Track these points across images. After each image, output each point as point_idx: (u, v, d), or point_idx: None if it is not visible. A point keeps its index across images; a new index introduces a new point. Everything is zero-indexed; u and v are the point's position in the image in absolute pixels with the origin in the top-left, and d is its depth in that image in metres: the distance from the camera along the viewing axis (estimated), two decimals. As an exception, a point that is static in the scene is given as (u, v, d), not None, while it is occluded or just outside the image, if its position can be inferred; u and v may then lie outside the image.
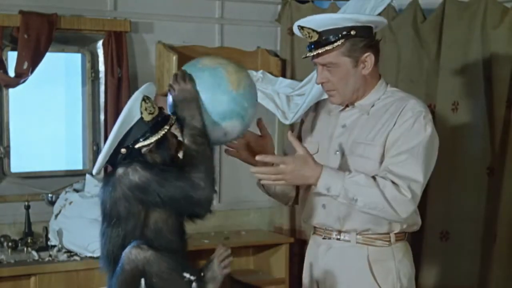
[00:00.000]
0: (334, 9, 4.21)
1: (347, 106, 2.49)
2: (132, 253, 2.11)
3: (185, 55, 4.25)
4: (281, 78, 4.37)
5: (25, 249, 3.80)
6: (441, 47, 3.78)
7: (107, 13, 4.15)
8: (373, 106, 2.45)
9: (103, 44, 4.08)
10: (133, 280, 2.12)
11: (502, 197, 3.54)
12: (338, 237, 2.47)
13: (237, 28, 4.49)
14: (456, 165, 3.71)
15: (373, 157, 2.39)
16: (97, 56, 4.18)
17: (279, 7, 4.54)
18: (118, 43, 4.07)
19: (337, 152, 2.45)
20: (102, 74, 4.14)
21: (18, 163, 4.08)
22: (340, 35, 2.36)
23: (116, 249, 2.18)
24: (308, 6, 4.42)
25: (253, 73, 4.23)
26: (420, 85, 3.85)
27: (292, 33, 4.38)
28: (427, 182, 3.81)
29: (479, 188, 3.69)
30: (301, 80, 4.26)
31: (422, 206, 3.77)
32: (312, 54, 2.40)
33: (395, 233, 2.47)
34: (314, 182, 2.30)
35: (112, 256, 2.20)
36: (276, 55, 4.55)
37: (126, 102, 3.99)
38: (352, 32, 2.36)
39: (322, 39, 2.37)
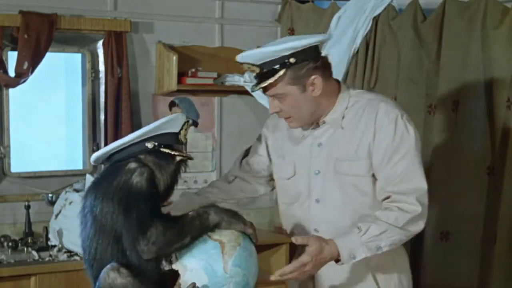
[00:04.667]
0: (335, 9, 4.21)
1: (317, 123, 2.42)
2: (110, 277, 2.06)
3: (185, 55, 4.25)
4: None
5: (25, 249, 3.80)
6: (441, 47, 3.78)
7: (107, 13, 4.14)
8: (343, 117, 2.38)
9: (103, 44, 4.08)
10: None
11: (502, 197, 3.54)
12: None
13: (237, 28, 4.49)
14: (456, 165, 3.71)
15: (361, 173, 2.34)
16: (97, 56, 4.18)
17: (279, 7, 4.54)
18: (118, 43, 4.07)
19: (318, 173, 2.39)
20: (102, 74, 4.14)
21: (18, 163, 4.07)
22: (279, 65, 2.27)
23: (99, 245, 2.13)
24: (308, 6, 4.42)
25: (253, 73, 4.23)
26: (420, 85, 3.85)
27: (292, 33, 4.38)
28: (427, 182, 3.82)
29: (479, 188, 3.69)
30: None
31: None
32: (257, 89, 2.34)
33: None
34: (336, 258, 2.23)
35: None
36: (276, 55, 4.55)
37: (126, 102, 4.07)
38: (292, 60, 2.27)
39: (264, 72, 2.30)
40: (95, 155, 2.24)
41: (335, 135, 2.38)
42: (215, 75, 4.29)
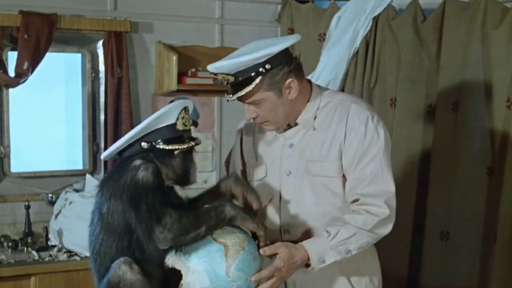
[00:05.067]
0: (335, 9, 4.21)
1: (289, 125, 2.41)
2: (121, 269, 2.08)
3: (185, 55, 4.25)
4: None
5: (25, 249, 3.80)
6: (441, 47, 3.78)
7: (107, 13, 4.15)
8: (315, 118, 2.38)
9: (103, 44, 4.08)
10: None
11: (502, 197, 3.54)
12: None
13: (237, 28, 4.49)
14: (456, 165, 3.71)
15: (332, 173, 2.34)
16: (97, 56, 4.18)
17: (279, 7, 4.54)
18: (118, 43, 4.07)
19: (289, 174, 2.39)
20: (102, 74, 4.14)
21: (18, 163, 4.08)
22: (255, 73, 2.26)
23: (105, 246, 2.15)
24: (308, 6, 4.41)
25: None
26: (420, 85, 3.85)
27: (292, 33, 4.38)
28: (427, 182, 3.81)
29: (479, 188, 3.69)
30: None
31: (422, 206, 3.78)
32: (233, 98, 2.32)
33: None
34: (306, 262, 2.24)
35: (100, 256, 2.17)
36: (276, 55, 4.55)
37: (126, 102, 4.07)
38: (267, 66, 2.26)
39: (239, 80, 2.28)
40: (104, 154, 2.27)
41: (307, 136, 2.38)
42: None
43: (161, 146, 2.18)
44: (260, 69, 2.27)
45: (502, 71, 3.59)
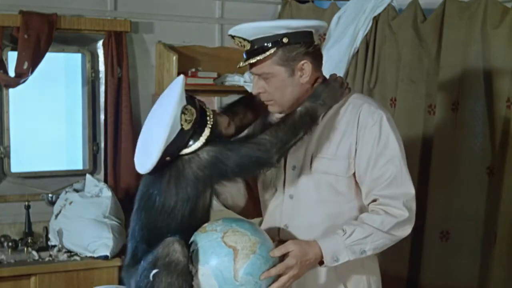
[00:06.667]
0: (334, 9, 4.21)
1: None
2: (174, 246, 2.09)
3: (185, 55, 4.25)
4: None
5: (25, 249, 3.80)
6: (441, 47, 3.78)
7: (107, 13, 4.15)
8: (324, 114, 2.33)
9: (103, 44, 4.08)
10: (152, 266, 2.10)
11: (502, 197, 3.54)
12: None
13: (237, 28, 4.49)
14: (456, 165, 3.71)
15: (339, 172, 2.31)
16: (97, 56, 4.18)
17: (279, 7, 4.54)
18: (118, 43, 4.07)
19: (294, 168, 2.36)
20: (102, 74, 4.14)
21: (18, 163, 4.08)
22: (271, 44, 2.24)
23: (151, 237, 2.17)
24: (308, 6, 4.42)
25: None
26: (420, 85, 3.85)
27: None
28: (427, 182, 3.82)
29: (479, 188, 3.69)
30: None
31: (422, 206, 3.78)
32: (244, 64, 2.29)
33: None
34: (319, 259, 2.21)
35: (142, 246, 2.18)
36: (276, 54, 4.55)
37: (126, 102, 4.07)
38: (285, 40, 2.23)
39: (254, 48, 2.25)
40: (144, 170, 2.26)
41: (314, 131, 2.33)
42: (215, 75, 4.29)
43: (184, 152, 2.18)
44: (277, 40, 2.25)
45: (502, 71, 3.59)
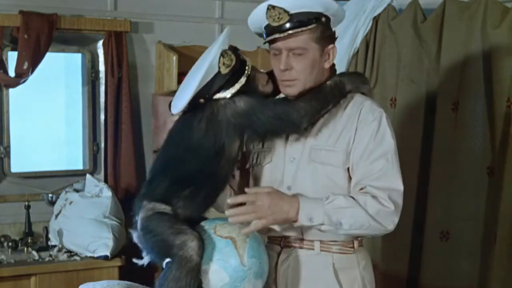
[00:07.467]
0: (334, 9, 4.20)
1: None
2: (193, 243, 2.11)
3: (185, 55, 4.25)
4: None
5: (25, 249, 3.81)
6: (441, 47, 3.77)
7: (107, 13, 4.15)
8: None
9: (103, 44, 4.08)
10: (164, 250, 2.15)
11: (502, 197, 3.54)
12: (301, 245, 2.36)
13: (237, 28, 4.47)
14: (456, 165, 3.71)
15: (336, 163, 2.32)
16: (97, 56, 4.18)
17: (279, 7, 4.54)
18: (118, 43, 4.07)
19: (294, 159, 2.37)
20: (102, 74, 4.15)
21: (18, 163, 4.08)
22: (313, 19, 2.26)
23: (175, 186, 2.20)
24: (308, 6, 4.41)
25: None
26: (420, 85, 3.85)
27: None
28: (427, 181, 3.81)
29: (479, 188, 3.68)
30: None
31: (422, 206, 3.78)
32: (283, 35, 2.26)
33: (358, 239, 2.40)
34: (294, 215, 2.21)
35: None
36: (276, 55, 4.55)
37: (126, 102, 4.07)
38: (323, 19, 2.28)
39: (293, 22, 2.25)
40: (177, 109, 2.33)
41: (315, 123, 2.34)
42: (215, 75, 4.29)
43: (217, 96, 2.24)
44: (318, 17, 2.28)
45: (502, 71, 3.59)
